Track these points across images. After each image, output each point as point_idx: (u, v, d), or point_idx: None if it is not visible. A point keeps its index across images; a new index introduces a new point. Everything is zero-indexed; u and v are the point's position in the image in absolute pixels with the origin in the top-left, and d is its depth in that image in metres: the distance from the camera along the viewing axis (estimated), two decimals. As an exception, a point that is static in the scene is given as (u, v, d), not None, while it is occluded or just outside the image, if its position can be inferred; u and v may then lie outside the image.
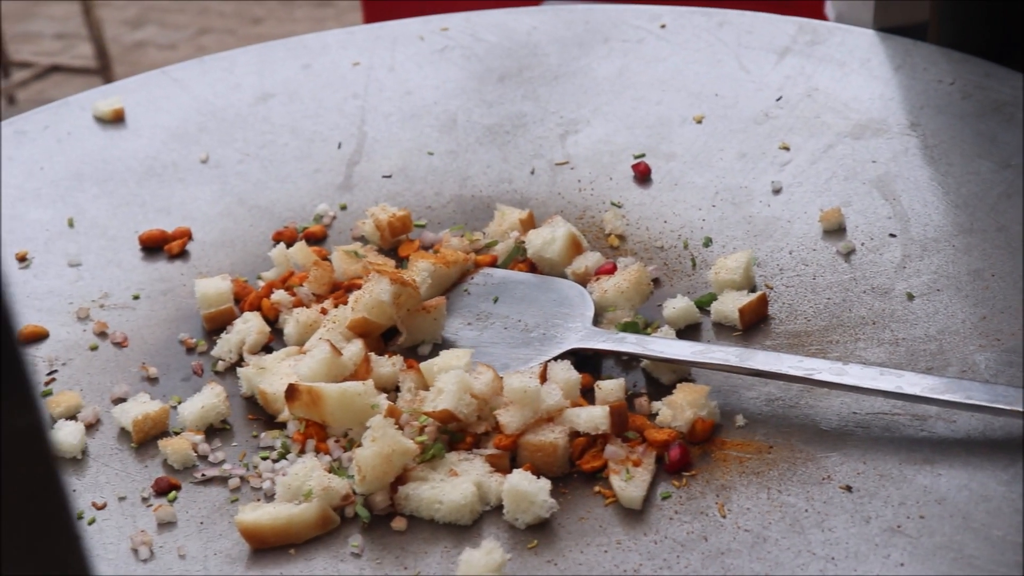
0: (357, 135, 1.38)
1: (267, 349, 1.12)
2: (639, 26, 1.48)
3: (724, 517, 0.91)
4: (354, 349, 1.05)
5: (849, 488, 0.91)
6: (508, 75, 1.44)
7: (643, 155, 1.29)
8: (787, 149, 1.27)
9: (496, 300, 1.13)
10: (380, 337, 1.10)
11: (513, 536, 0.92)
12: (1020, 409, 0.89)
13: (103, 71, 4.10)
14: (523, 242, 1.18)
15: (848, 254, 1.13)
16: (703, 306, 1.11)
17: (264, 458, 1.01)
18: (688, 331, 1.09)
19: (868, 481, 0.91)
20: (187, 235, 1.26)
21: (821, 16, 1.93)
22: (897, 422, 0.96)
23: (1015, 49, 1.38)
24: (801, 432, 0.97)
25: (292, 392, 0.99)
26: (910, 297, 1.07)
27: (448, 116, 1.39)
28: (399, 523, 0.94)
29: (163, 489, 0.98)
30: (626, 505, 0.93)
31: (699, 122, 1.33)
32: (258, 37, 4.68)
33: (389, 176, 1.32)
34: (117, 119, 1.42)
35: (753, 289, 1.11)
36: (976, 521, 0.86)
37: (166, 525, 0.95)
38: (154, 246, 1.25)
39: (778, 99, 1.33)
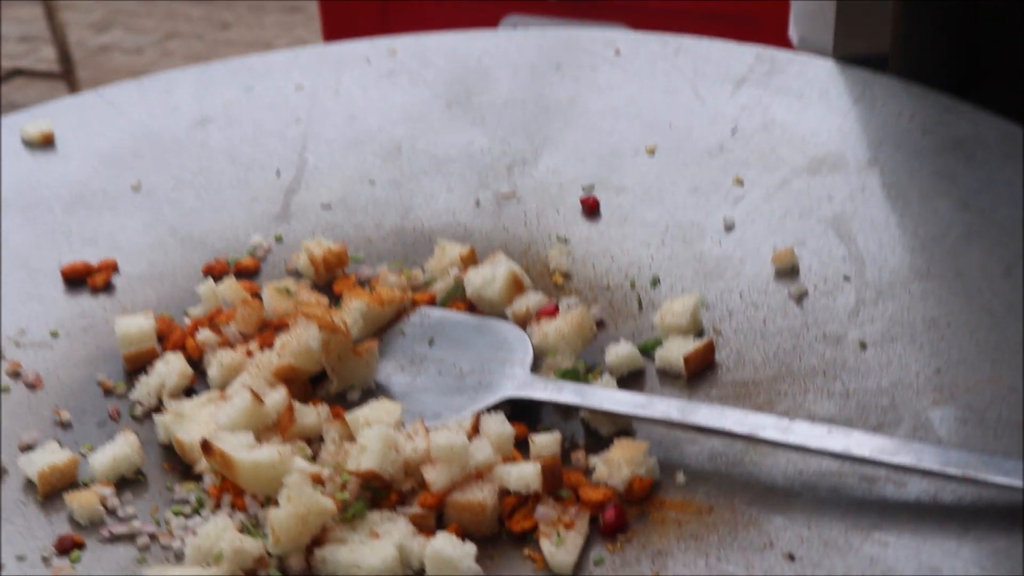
0: (297, 162, 1.32)
1: (190, 392, 1.06)
2: (593, 52, 1.43)
3: (659, 586, 0.85)
4: (277, 397, 0.99)
5: (792, 557, 0.86)
6: (456, 101, 1.38)
7: (592, 187, 1.24)
8: (741, 184, 1.22)
9: (432, 342, 1.08)
10: (308, 381, 1.04)
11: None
12: (971, 475, 0.85)
13: (67, 75, 4.02)
14: (462, 280, 1.12)
15: (800, 298, 1.09)
16: (647, 351, 1.06)
17: (177, 513, 0.95)
18: (631, 378, 1.04)
19: (812, 549, 0.86)
20: (112, 267, 1.20)
21: (785, 38, 1.89)
22: (845, 483, 0.91)
23: (977, 83, 1.34)
24: (744, 492, 0.92)
25: (206, 448, 0.93)
26: (863, 346, 1.02)
27: (392, 143, 1.34)
28: (315, 588, 0.88)
29: (66, 548, 0.92)
30: (556, 571, 0.88)
31: (651, 154, 1.28)
32: (226, 43, 4.62)
33: (328, 206, 1.26)
34: (46, 143, 1.36)
35: (700, 333, 1.06)
36: (923, 597, 0.81)
37: (66, 589, 0.89)
38: (77, 279, 1.19)
39: (733, 131, 1.28)
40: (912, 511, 0.87)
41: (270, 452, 0.92)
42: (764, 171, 1.23)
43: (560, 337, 1.05)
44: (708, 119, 1.31)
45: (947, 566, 0.83)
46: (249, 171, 1.31)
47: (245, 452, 0.92)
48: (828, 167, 1.22)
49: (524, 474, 0.92)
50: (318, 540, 0.89)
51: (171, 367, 1.06)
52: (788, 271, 1.11)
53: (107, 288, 1.18)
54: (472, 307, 1.12)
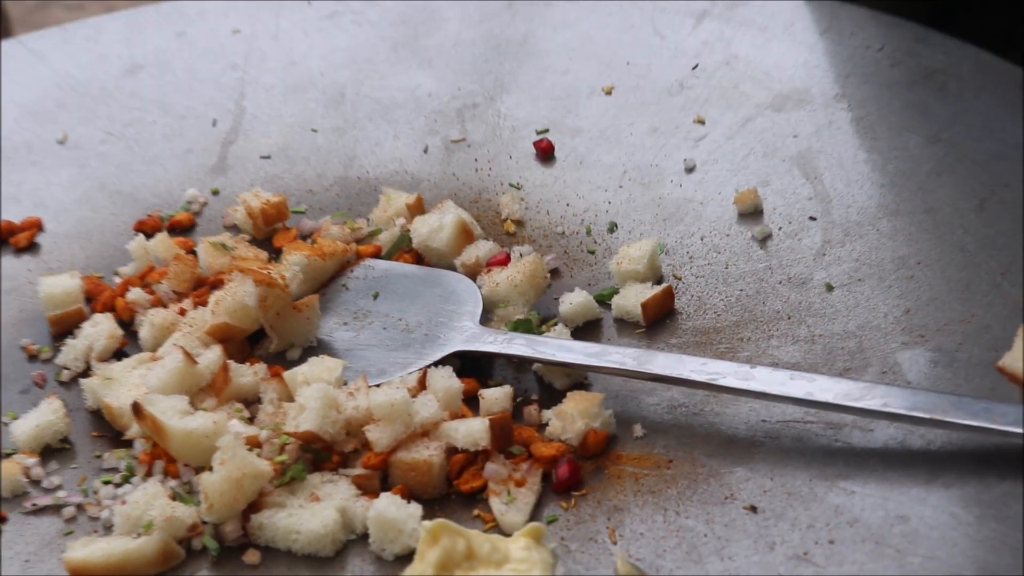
0: (234, 111, 1.30)
1: (120, 355, 1.04)
2: (546, -13, 1.40)
3: (615, 544, 0.84)
4: (212, 357, 0.97)
5: (754, 508, 0.85)
6: (402, 43, 1.36)
7: (547, 130, 1.22)
8: (702, 123, 1.20)
9: (376, 296, 1.06)
10: (245, 340, 1.02)
11: (380, 569, 0.85)
12: (939, 418, 0.83)
13: (4, 34, 3.95)
14: (409, 230, 1.10)
15: (764, 240, 1.07)
16: (604, 300, 1.04)
17: (106, 482, 0.93)
18: (587, 328, 1.03)
19: (775, 500, 0.85)
20: (37, 225, 1.17)
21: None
22: (809, 431, 0.90)
23: (951, 13, 1.32)
24: (705, 443, 0.91)
25: (137, 411, 0.91)
26: (829, 288, 1.01)
27: (336, 89, 1.31)
28: (252, 556, 0.87)
29: (-14, 522, 0.90)
30: (507, 531, 0.86)
31: (608, 93, 1.26)
32: (174, -3, 4.54)
33: (268, 157, 1.24)
34: (-36, 95, 1.32)
35: (659, 280, 1.05)
36: (890, 546, 0.80)
37: (-14, 564, 0.88)
38: (-1, 238, 1.16)
39: (694, 67, 1.26)
40: (879, 458, 0.86)
41: (204, 420, 0.90)
42: (726, 109, 1.21)
43: (512, 287, 1.03)
44: (668, 56, 1.28)
45: (915, 513, 0.82)
46: (183, 121, 1.28)
47: (178, 419, 0.90)
48: (793, 103, 1.20)
49: (472, 431, 0.90)
50: (255, 506, 0.88)
51: (99, 329, 1.04)
52: (751, 212, 1.10)
53: (31, 247, 1.16)
54: (419, 258, 1.10)
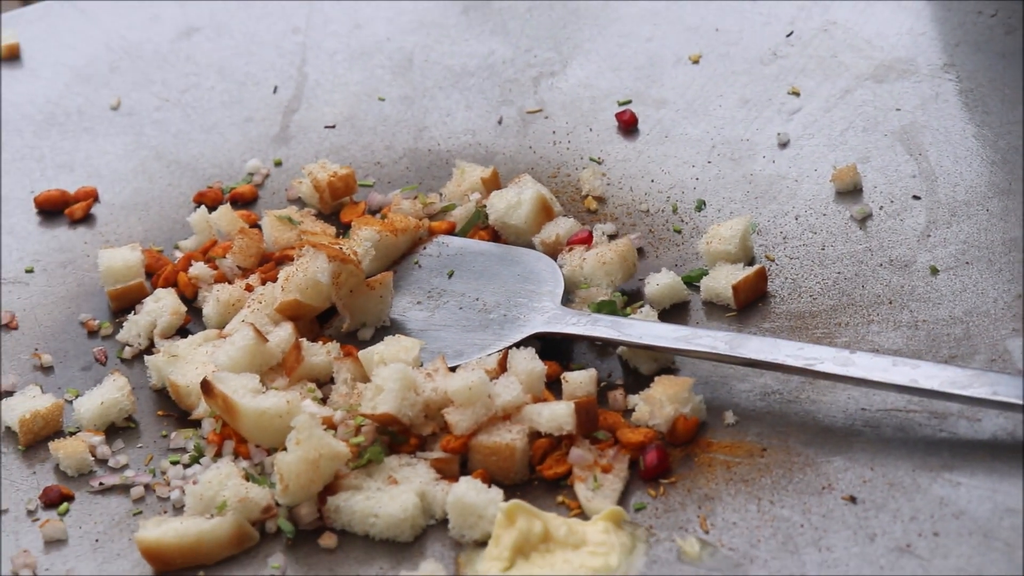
0: (296, 77, 1.35)
1: (183, 332, 1.10)
2: (629, -53, 1.45)
3: (707, 533, 0.90)
4: (282, 335, 1.04)
5: (853, 499, 0.90)
6: (474, 6, 1.41)
7: (629, 101, 1.27)
8: (797, 95, 1.24)
9: (451, 274, 1.11)
10: (315, 319, 1.09)
11: (460, 555, 0.91)
12: (1054, 408, 0.88)
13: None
14: (484, 206, 1.16)
15: (863, 220, 1.12)
16: (692, 282, 1.09)
17: (174, 462, 1.00)
18: (674, 311, 1.08)
19: (875, 491, 0.90)
20: (93, 196, 1.24)
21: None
22: (912, 421, 0.94)
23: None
24: (800, 432, 0.96)
25: (207, 389, 0.97)
26: (934, 271, 1.06)
27: (403, 55, 1.36)
28: (328, 539, 0.93)
29: (53, 500, 0.97)
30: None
31: (695, 62, 1.30)
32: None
33: (332, 126, 1.30)
34: (12, 56, 1.39)
35: (751, 262, 1.10)
36: (999, 540, 0.85)
37: (55, 543, 0.95)
38: (53, 209, 1.23)
39: (789, 35, 1.31)
40: (987, 449, 0.91)
41: (277, 400, 0.96)
42: (824, 80, 1.25)
43: (599, 266, 1.08)
44: (760, 22, 1.32)
45: (1025, 507, 0.87)
46: (242, 88, 1.34)
47: (250, 397, 0.96)
48: (896, 74, 1.24)
49: (556, 414, 0.96)
50: (331, 488, 0.94)
51: (162, 304, 1.10)
52: (850, 191, 1.14)
53: (87, 219, 1.22)
54: (496, 235, 1.15)
